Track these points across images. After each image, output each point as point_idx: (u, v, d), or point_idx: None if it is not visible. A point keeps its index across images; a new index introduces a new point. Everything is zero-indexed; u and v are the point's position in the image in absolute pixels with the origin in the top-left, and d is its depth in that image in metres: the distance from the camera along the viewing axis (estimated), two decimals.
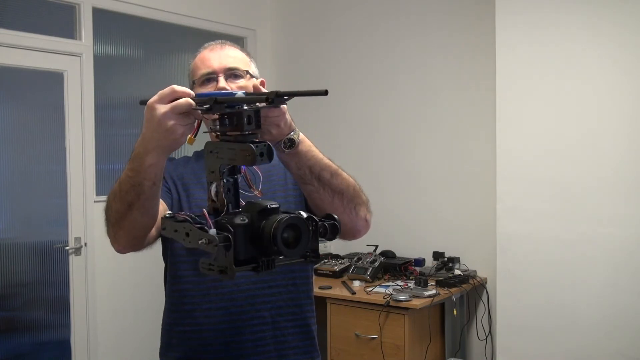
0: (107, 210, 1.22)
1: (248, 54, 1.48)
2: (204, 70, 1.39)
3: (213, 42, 1.46)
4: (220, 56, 1.40)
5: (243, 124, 0.96)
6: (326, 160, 1.21)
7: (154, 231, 1.28)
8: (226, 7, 4.18)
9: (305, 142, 1.18)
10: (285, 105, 1.07)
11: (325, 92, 0.95)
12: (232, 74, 1.39)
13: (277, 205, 0.95)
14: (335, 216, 0.99)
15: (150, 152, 1.07)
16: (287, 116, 1.11)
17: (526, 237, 3.00)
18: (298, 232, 0.93)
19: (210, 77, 1.38)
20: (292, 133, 1.13)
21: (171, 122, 1.02)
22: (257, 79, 1.43)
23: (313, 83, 4.16)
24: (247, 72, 1.41)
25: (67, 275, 3.41)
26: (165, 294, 1.48)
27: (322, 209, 1.22)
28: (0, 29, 3.15)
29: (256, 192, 1.07)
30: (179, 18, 3.91)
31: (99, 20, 3.52)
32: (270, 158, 0.96)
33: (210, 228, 0.91)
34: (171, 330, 1.44)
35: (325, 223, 0.97)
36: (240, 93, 1.02)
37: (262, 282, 1.36)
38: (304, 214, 0.96)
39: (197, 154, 1.52)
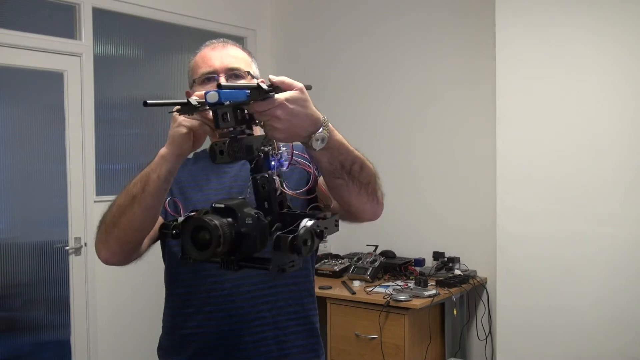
0: (107, 210, 1.22)
1: (249, 53, 1.46)
2: (204, 69, 1.37)
3: (215, 41, 1.43)
4: (222, 55, 1.38)
5: (217, 121, 0.98)
6: (356, 152, 1.15)
7: (146, 241, 1.28)
8: (226, 7, 4.18)
9: (337, 135, 1.09)
10: (286, 95, 0.99)
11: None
12: (234, 74, 1.37)
13: (222, 206, 0.95)
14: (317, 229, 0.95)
15: (165, 145, 1.16)
16: (307, 111, 1.02)
17: (526, 237, 3.00)
18: (204, 235, 0.92)
19: (211, 77, 1.36)
20: (321, 129, 1.04)
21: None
22: (257, 79, 1.42)
23: (313, 83, 4.14)
24: (249, 72, 1.39)
25: (67, 275, 3.41)
26: (166, 296, 1.47)
27: (346, 201, 1.19)
28: (0, 29, 3.15)
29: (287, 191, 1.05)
30: (179, 18, 3.91)
31: (99, 20, 3.52)
32: (232, 157, 0.96)
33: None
34: (172, 334, 1.43)
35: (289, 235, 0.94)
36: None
37: (262, 282, 1.35)
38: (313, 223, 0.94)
39: (196, 156, 1.51)
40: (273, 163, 1.03)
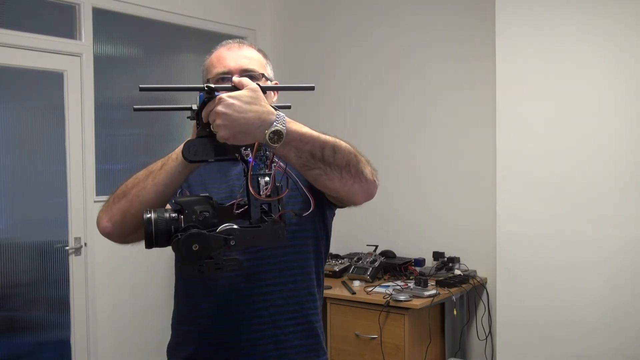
0: (122, 184, 1.26)
1: (265, 55, 1.46)
2: (219, 69, 1.37)
3: (231, 41, 1.44)
4: (237, 56, 1.38)
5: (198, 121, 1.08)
6: (323, 137, 1.12)
7: None
8: (226, 7, 4.18)
9: (295, 125, 1.07)
10: (228, 93, 1.02)
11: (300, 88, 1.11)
12: (248, 75, 1.33)
13: (173, 202, 1.05)
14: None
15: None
16: (252, 107, 1.02)
17: (526, 237, 3.00)
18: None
19: (225, 77, 1.35)
20: (274, 124, 1.03)
21: None
22: (271, 81, 1.42)
23: (313, 83, 4.15)
24: (263, 74, 1.39)
25: (67, 275, 3.41)
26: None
27: (332, 188, 1.18)
28: (0, 29, 3.15)
29: (259, 196, 1.06)
30: (179, 18, 3.91)
31: (99, 20, 3.52)
32: (191, 157, 1.03)
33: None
34: (176, 330, 1.45)
35: (180, 235, 0.98)
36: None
37: (259, 280, 1.35)
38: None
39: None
40: (253, 164, 1.05)
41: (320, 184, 1.18)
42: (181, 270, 0.99)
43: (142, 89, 1.03)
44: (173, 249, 0.98)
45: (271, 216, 1.04)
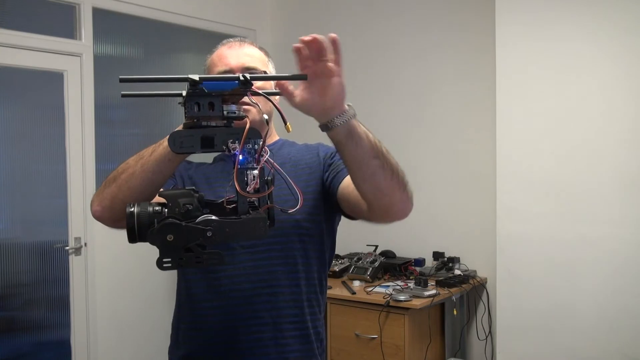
0: (115, 170, 1.24)
1: (267, 53, 1.46)
2: (221, 68, 1.38)
3: (232, 40, 1.44)
4: (238, 54, 1.39)
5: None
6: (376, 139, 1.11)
7: None
8: (226, 7, 4.18)
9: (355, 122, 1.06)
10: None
11: (306, 77, 1.02)
12: (249, 73, 1.36)
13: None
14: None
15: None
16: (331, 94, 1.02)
17: (526, 237, 3.00)
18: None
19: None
20: (346, 110, 1.03)
21: None
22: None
23: None
24: (265, 72, 1.39)
25: (67, 275, 3.41)
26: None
27: (382, 188, 1.12)
28: (0, 29, 3.15)
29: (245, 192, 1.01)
30: (179, 18, 3.91)
31: (99, 20, 3.52)
32: (179, 150, 0.97)
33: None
34: (178, 328, 1.45)
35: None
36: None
37: (262, 281, 1.35)
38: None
39: (216, 159, 1.52)
40: (241, 157, 0.98)
41: (373, 181, 1.11)
42: (157, 263, 0.95)
43: (122, 80, 0.99)
44: (148, 240, 0.95)
45: (258, 210, 1.00)
